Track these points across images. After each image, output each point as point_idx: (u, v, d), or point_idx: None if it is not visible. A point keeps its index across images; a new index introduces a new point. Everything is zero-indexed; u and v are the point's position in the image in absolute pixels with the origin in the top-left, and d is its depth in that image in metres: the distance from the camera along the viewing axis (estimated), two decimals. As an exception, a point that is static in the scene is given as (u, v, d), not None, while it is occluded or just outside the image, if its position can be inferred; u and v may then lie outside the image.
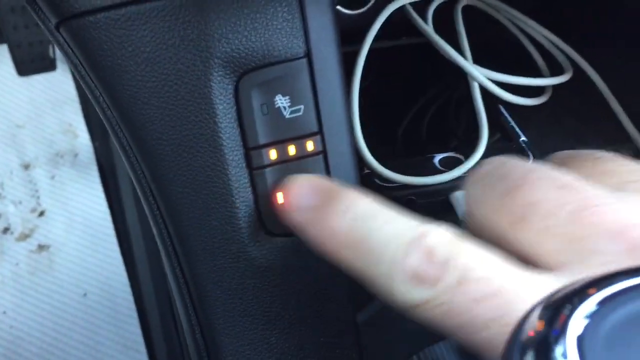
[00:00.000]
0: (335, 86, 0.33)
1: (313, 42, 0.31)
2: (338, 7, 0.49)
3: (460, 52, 0.49)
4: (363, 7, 0.50)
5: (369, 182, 0.41)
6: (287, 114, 0.32)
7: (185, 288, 0.33)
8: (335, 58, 0.32)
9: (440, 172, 0.42)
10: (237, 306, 0.32)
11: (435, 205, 0.42)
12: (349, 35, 0.49)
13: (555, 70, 0.53)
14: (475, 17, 0.56)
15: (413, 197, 0.41)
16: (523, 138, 0.45)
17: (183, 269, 0.33)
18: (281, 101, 0.31)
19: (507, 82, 0.48)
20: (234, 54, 0.30)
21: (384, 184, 0.41)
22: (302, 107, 0.32)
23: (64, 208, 1.18)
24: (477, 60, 0.52)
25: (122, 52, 0.29)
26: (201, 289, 0.33)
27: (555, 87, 0.52)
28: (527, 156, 0.43)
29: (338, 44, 0.33)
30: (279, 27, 0.31)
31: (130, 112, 0.30)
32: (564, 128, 0.49)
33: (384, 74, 0.52)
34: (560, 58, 0.53)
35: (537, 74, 0.53)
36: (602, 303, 0.16)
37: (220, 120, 0.31)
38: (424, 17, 0.51)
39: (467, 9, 0.56)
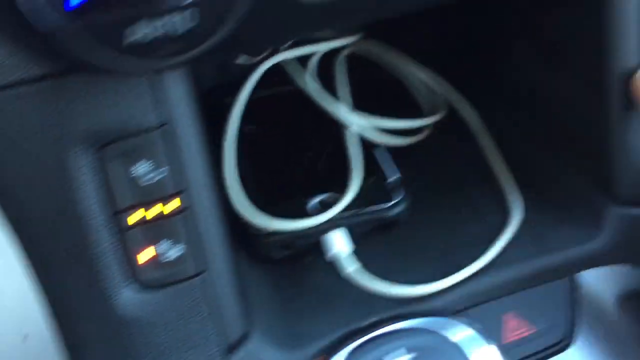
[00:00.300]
0: (196, 148, 0.36)
1: (171, 111, 0.35)
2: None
3: (340, 99, 0.53)
4: (257, 57, 0.54)
5: (245, 230, 0.45)
6: (151, 177, 0.35)
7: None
8: (194, 122, 0.36)
9: (315, 214, 0.45)
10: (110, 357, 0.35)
11: (310, 246, 0.46)
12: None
13: (435, 109, 0.58)
14: (362, 63, 0.61)
15: (290, 241, 0.45)
16: (395, 177, 0.49)
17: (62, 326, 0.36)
18: (144, 167, 0.35)
19: (382, 126, 0.52)
20: (94, 130, 0.33)
21: (260, 232, 0.44)
22: (165, 169, 0.35)
23: None
24: (367, 102, 0.57)
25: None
26: (78, 341, 0.36)
27: (436, 125, 0.57)
28: (393, 195, 0.47)
29: (197, 108, 0.36)
30: (135, 100, 0.34)
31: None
32: (439, 165, 0.54)
33: (268, 121, 0.56)
34: (439, 99, 0.58)
35: (420, 112, 0.58)
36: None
37: (87, 188, 0.34)
38: (306, 67, 0.55)
39: (354, 57, 0.61)
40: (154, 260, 0.36)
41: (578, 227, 0.47)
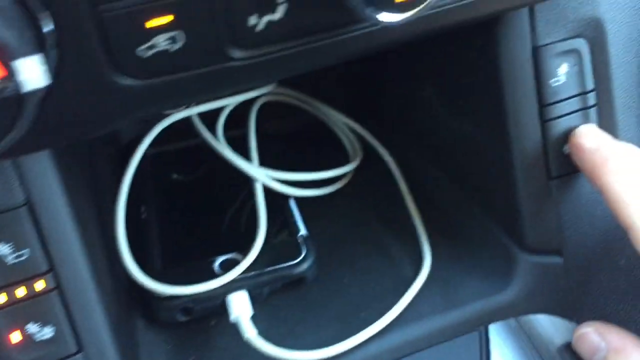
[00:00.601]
0: (65, 226, 0.35)
1: (33, 189, 0.34)
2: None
3: (250, 152, 0.52)
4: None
5: (145, 297, 0.43)
6: (11, 259, 0.34)
7: None
8: (61, 200, 0.35)
9: (218, 275, 0.44)
10: None
11: (212, 309, 0.44)
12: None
13: (356, 153, 0.57)
14: (281, 109, 0.60)
15: (190, 305, 0.43)
16: (302, 233, 0.48)
17: None
18: (4, 248, 0.33)
19: (292, 179, 0.51)
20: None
21: (160, 297, 0.43)
22: (27, 250, 0.34)
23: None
24: (282, 150, 0.56)
25: None
26: None
27: (354, 174, 0.56)
28: (300, 252, 0.46)
29: (69, 185, 0.35)
30: (-5, 179, 0.33)
31: None
32: (356, 213, 0.53)
33: (182, 174, 0.55)
34: (356, 144, 0.57)
35: (341, 157, 0.57)
36: None
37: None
38: (216, 120, 0.54)
39: (271, 104, 0.60)
40: (24, 342, 0.35)
41: (489, 277, 0.46)
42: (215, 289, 0.43)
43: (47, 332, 0.35)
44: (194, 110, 0.53)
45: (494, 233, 0.48)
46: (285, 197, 0.51)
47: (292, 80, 0.58)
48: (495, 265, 0.46)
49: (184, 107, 0.53)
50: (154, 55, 0.26)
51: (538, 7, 0.42)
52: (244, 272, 0.44)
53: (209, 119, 0.54)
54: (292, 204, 0.51)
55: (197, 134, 0.54)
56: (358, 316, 0.43)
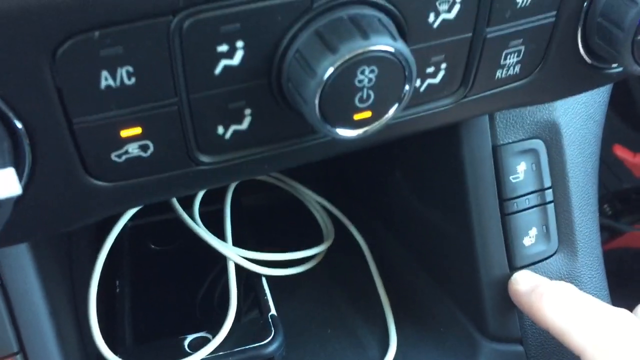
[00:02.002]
0: (36, 309, 0.36)
1: (6, 272, 0.35)
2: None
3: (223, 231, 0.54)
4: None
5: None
6: (-18, 340, 0.35)
7: None
8: (35, 283, 0.36)
9: (187, 355, 0.45)
10: None
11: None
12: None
13: (325, 237, 0.59)
14: (258, 185, 0.63)
15: (157, 385, 0.44)
16: (272, 312, 0.49)
17: None
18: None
19: (264, 259, 0.53)
20: None
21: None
22: (-4, 333, 0.35)
23: None
24: (257, 225, 0.58)
25: None
26: None
27: (326, 252, 0.58)
28: (269, 332, 0.47)
29: (42, 266, 0.37)
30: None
31: None
32: (326, 293, 0.54)
33: (164, 244, 0.56)
34: (329, 223, 0.59)
35: (314, 234, 0.59)
36: None
37: None
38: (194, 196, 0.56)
39: (249, 180, 0.62)
40: None
41: (452, 361, 0.47)
42: (184, 369, 0.44)
43: (12, 415, 0.36)
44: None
45: (458, 319, 0.49)
46: (258, 275, 0.53)
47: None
48: (459, 351, 0.48)
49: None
50: (126, 161, 0.28)
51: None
52: (213, 351, 0.45)
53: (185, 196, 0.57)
54: (264, 283, 0.52)
55: (173, 209, 0.56)
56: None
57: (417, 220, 0.54)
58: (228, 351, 0.46)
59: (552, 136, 0.46)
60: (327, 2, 0.27)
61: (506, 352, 0.47)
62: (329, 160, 0.64)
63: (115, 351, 0.45)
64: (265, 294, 0.51)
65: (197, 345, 0.46)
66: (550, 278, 0.47)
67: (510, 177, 0.46)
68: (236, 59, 0.27)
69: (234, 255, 0.52)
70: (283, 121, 0.30)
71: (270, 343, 0.47)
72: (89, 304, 0.45)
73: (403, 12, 0.29)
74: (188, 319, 0.49)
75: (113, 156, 0.28)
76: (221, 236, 0.54)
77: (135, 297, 0.51)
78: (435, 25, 0.30)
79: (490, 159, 0.45)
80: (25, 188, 0.27)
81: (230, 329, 0.47)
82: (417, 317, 0.51)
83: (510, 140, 0.46)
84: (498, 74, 0.35)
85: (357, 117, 0.29)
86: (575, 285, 0.48)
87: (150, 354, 0.45)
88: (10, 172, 0.23)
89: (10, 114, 0.25)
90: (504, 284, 0.47)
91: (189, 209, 0.55)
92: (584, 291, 0.42)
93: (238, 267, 0.52)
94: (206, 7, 0.25)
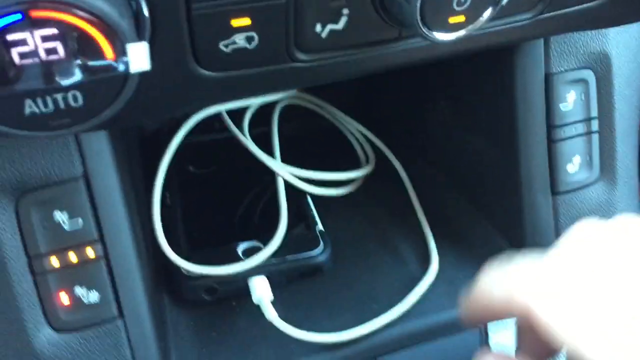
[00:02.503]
0: (114, 200, 0.38)
1: (89, 165, 0.37)
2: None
3: (272, 149, 0.56)
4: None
5: (174, 276, 0.46)
6: (66, 226, 0.36)
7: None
8: (114, 177, 0.38)
9: (241, 260, 0.47)
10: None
11: (235, 291, 0.47)
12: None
13: (368, 160, 0.61)
14: (299, 113, 0.64)
15: (215, 285, 0.47)
16: (320, 228, 0.51)
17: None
18: (60, 215, 0.36)
19: (310, 177, 0.55)
20: (11, 180, 0.35)
21: (185, 275, 0.46)
22: (80, 219, 0.37)
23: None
24: (307, 150, 0.59)
25: None
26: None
27: (366, 177, 0.59)
28: (319, 244, 0.49)
29: (119, 163, 0.38)
30: (54, 153, 0.36)
31: None
32: (367, 215, 0.56)
33: (211, 165, 0.58)
34: (369, 151, 0.61)
35: (353, 162, 0.61)
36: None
37: (5, 234, 0.35)
38: (242, 118, 0.58)
39: (291, 107, 0.63)
40: (70, 304, 0.37)
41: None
42: (238, 272, 0.46)
43: (92, 297, 0.38)
44: (217, 109, 0.56)
45: (497, 242, 0.51)
46: (303, 194, 0.54)
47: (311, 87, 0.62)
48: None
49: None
50: (233, 51, 0.29)
51: (553, 38, 0.46)
52: (267, 259, 0.47)
53: (233, 117, 0.58)
54: (309, 201, 0.54)
55: (221, 130, 0.57)
56: (370, 306, 0.47)
57: (459, 147, 0.55)
58: (280, 258, 0.48)
59: (602, 67, 0.47)
60: None
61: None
62: (369, 88, 0.67)
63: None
64: (311, 211, 0.53)
65: (250, 253, 0.48)
66: (589, 205, 0.49)
67: (560, 105, 0.48)
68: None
69: (284, 171, 0.53)
70: (377, 25, 0.31)
71: (320, 253, 0.49)
72: (153, 208, 0.46)
73: None
74: (239, 228, 0.51)
75: (221, 45, 0.29)
76: (270, 156, 0.55)
77: (186, 208, 0.53)
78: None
79: (542, 86, 0.47)
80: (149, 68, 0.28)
81: (280, 240, 0.49)
82: (456, 240, 0.53)
83: (562, 69, 0.47)
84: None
85: (453, 20, 0.30)
86: (611, 214, 0.50)
87: (207, 258, 0.47)
88: (143, 47, 0.24)
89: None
90: (545, 208, 0.49)
91: (239, 128, 0.57)
92: None
93: (286, 184, 0.53)
94: None
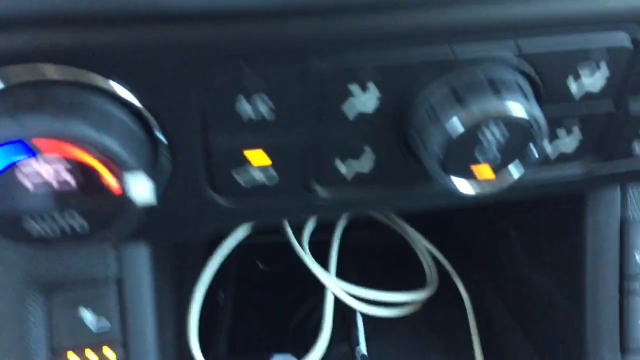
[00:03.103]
0: (144, 306, 0.38)
1: (127, 269, 0.38)
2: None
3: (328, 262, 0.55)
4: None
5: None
6: (92, 325, 0.37)
7: None
8: (148, 282, 0.38)
9: (274, 375, 0.46)
10: None
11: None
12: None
13: (428, 284, 0.58)
14: (366, 223, 0.63)
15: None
16: (362, 351, 0.49)
17: None
18: (86, 314, 0.37)
19: (361, 295, 0.53)
20: (44, 275, 0.36)
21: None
22: (105, 320, 0.37)
23: None
24: (360, 264, 0.58)
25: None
26: None
27: (428, 300, 0.56)
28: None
29: (156, 267, 0.39)
30: (96, 254, 0.37)
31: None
32: (417, 344, 0.53)
33: (271, 264, 0.58)
34: (434, 272, 0.58)
35: (417, 282, 0.58)
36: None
37: (32, 326, 0.37)
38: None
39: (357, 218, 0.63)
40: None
41: None
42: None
43: (107, 400, 0.38)
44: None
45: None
46: (354, 311, 0.53)
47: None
48: None
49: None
50: (252, 187, 0.29)
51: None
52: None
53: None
54: (359, 319, 0.52)
55: (284, 233, 0.57)
56: None
57: (526, 284, 0.51)
58: (312, 379, 0.46)
59: (689, 219, 0.43)
60: (469, 60, 0.27)
61: None
62: (443, 209, 0.64)
63: (207, 358, 0.46)
64: (357, 330, 0.51)
65: (282, 368, 0.47)
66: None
67: (637, 255, 0.43)
68: (369, 105, 0.28)
69: (335, 286, 0.52)
70: (404, 164, 0.30)
71: (356, 380, 0.46)
72: (191, 310, 0.47)
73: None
74: (280, 339, 0.50)
75: (242, 180, 0.29)
76: (325, 266, 0.54)
77: (236, 310, 0.53)
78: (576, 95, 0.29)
79: (617, 233, 0.43)
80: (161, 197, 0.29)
81: (319, 357, 0.47)
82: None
83: (641, 216, 0.43)
84: (637, 148, 0.33)
85: (480, 175, 0.28)
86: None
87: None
88: (148, 184, 0.25)
89: (157, 129, 0.27)
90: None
91: (299, 236, 0.57)
92: None
93: (336, 300, 0.52)
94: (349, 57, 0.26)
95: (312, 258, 0.54)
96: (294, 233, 0.56)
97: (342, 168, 0.30)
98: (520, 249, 0.52)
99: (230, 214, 0.30)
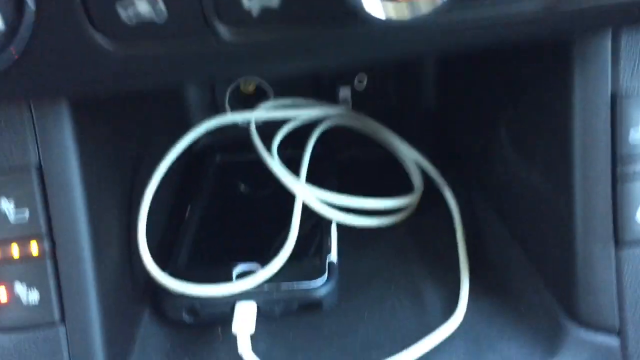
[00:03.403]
0: (70, 194, 0.35)
1: (45, 154, 0.34)
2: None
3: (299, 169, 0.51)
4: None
5: (158, 290, 0.43)
6: (11, 216, 0.34)
7: None
8: (72, 169, 0.35)
9: (231, 281, 0.42)
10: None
11: (220, 316, 0.42)
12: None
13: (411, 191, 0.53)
14: (348, 135, 0.58)
15: (197, 307, 0.42)
16: (331, 258, 0.45)
17: None
18: (7, 205, 0.34)
19: (335, 202, 0.49)
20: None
21: (169, 292, 0.42)
22: (27, 210, 0.34)
23: None
24: (355, 176, 0.54)
25: None
26: None
27: (416, 209, 0.52)
28: (322, 274, 0.43)
29: (78, 155, 0.35)
30: (12, 138, 0.34)
31: None
32: (397, 253, 0.49)
33: (226, 186, 0.55)
34: (419, 181, 0.54)
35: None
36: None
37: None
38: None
39: (339, 129, 0.58)
40: (7, 302, 0.35)
41: (527, 344, 0.40)
42: (224, 295, 0.42)
43: (33, 296, 0.35)
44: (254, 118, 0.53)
45: (544, 297, 0.42)
46: (329, 221, 0.49)
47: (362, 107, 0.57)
48: (539, 334, 0.40)
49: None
50: (137, 24, 0.25)
51: (625, 45, 0.37)
52: (260, 284, 0.42)
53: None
54: (333, 229, 0.48)
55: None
56: (369, 355, 0.40)
57: (516, 183, 0.46)
58: (274, 285, 0.42)
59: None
60: None
61: (597, 342, 0.39)
62: (431, 116, 0.60)
63: (164, 268, 0.43)
64: (330, 239, 0.47)
65: (245, 276, 0.43)
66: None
67: (631, 135, 0.38)
68: None
69: (304, 193, 0.48)
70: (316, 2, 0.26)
71: (320, 286, 0.42)
72: (140, 209, 0.43)
73: None
74: (244, 249, 0.46)
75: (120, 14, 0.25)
76: (295, 175, 0.50)
77: (202, 223, 0.49)
78: None
79: (607, 110, 0.38)
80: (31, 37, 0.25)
81: (283, 265, 0.43)
82: (497, 290, 0.44)
83: (635, 88, 0.37)
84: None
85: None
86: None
87: (196, 276, 0.42)
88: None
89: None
90: (604, 262, 0.39)
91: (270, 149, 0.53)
92: None
93: (312, 212, 0.48)
94: None
95: (281, 165, 0.50)
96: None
97: (246, 1, 0.25)
98: (510, 144, 0.47)
99: (119, 61, 0.26)
